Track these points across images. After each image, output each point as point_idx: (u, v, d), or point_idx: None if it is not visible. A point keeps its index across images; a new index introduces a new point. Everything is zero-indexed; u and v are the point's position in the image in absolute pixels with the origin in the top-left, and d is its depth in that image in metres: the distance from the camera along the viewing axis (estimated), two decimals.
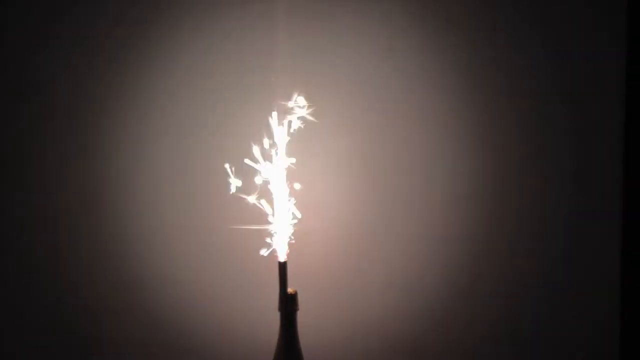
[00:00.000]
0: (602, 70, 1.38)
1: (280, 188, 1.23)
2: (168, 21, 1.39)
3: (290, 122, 1.22)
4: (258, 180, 1.22)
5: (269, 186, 1.23)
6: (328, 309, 1.42)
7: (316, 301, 1.37)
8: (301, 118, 1.22)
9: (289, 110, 1.22)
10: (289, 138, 1.22)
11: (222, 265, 1.43)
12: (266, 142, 1.22)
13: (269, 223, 1.23)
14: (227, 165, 1.23)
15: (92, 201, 1.42)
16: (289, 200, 1.23)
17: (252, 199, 1.23)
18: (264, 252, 1.22)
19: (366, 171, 1.41)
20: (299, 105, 1.21)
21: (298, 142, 1.24)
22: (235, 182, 1.24)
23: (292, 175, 1.24)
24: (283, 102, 1.22)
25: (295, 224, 1.23)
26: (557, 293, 1.43)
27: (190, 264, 1.43)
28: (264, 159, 1.23)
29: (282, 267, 1.22)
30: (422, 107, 1.40)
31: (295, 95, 1.22)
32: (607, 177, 1.40)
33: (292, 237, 1.23)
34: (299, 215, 1.23)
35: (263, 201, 1.23)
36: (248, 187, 1.23)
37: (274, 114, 1.22)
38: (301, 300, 1.23)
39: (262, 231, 1.23)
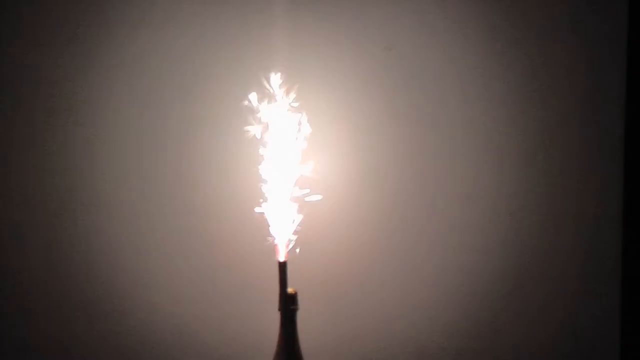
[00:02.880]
0: (602, 70, 1.38)
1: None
2: (163, 18, 1.39)
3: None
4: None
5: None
6: (328, 309, 1.42)
7: (316, 301, 1.38)
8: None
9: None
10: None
11: (221, 265, 1.43)
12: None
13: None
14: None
15: (86, 203, 1.42)
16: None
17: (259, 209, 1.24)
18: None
19: (367, 171, 1.41)
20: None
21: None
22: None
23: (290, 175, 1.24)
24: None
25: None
26: (557, 293, 1.43)
27: (189, 264, 1.43)
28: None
29: (282, 267, 1.22)
30: (421, 106, 1.40)
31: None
32: (607, 177, 1.40)
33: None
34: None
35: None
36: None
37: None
38: (301, 300, 1.23)
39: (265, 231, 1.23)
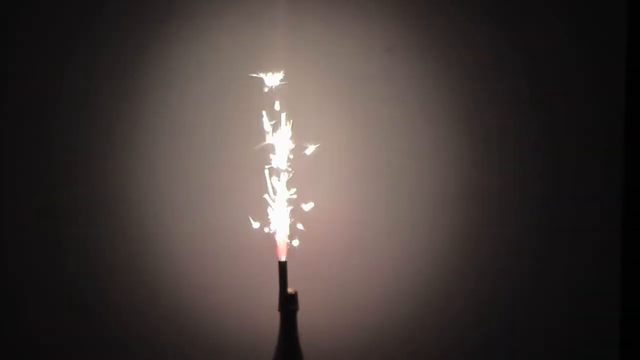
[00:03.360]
0: (602, 69, 1.38)
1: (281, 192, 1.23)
2: (171, 19, 1.39)
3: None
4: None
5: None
6: (328, 309, 1.42)
7: (316, 301, 1.37)
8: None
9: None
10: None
11: (222, 265, 1.43)
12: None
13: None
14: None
15: (98, 203, 1.42)
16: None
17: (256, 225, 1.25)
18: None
19: (366, 171, 1.41)
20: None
21: (296, 141, 1.25)
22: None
23: (291, 175, 1.24)
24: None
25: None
26: (557, 294, 1.43)
27: (190, 264, 1.43)
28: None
29: (282, 267, 1.22)
30: (421, 107, 1.40)
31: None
32: (607, 177, 1.40)
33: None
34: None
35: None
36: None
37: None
38: (301, 300, 1.23)
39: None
